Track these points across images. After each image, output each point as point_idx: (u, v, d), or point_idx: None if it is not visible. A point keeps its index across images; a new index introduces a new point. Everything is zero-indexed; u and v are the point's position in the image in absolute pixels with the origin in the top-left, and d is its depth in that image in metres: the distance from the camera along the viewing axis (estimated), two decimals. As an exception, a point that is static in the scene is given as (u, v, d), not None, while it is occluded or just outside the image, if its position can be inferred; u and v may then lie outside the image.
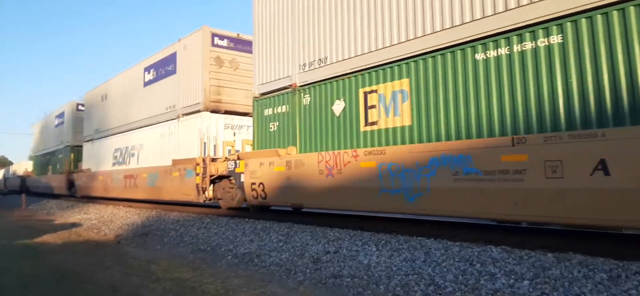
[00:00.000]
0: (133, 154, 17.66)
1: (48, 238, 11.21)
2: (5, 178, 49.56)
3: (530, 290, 4.76)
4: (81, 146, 24.23)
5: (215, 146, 13.30)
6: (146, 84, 17.40)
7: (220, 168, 12.44)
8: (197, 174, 12.80)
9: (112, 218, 14.51)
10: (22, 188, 36.36)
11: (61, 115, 28.46)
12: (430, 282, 5.37)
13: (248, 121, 13.73)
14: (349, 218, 9.95)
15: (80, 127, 25.20)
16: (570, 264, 5.19)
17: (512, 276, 5.12)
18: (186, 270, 7.14)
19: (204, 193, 12.71)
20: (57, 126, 29.17)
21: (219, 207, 13.12)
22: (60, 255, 8.93)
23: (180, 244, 9.65)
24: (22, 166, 44.65)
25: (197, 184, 12.78)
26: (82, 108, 25.61)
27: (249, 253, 7.90)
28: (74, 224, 14.06)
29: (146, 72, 17.47)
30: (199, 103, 13.73)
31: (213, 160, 12.87)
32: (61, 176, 26.20)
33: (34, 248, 9.76)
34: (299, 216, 10.40)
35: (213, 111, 13.70)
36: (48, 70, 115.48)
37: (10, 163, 62.09)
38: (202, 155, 12.95)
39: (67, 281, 6.59)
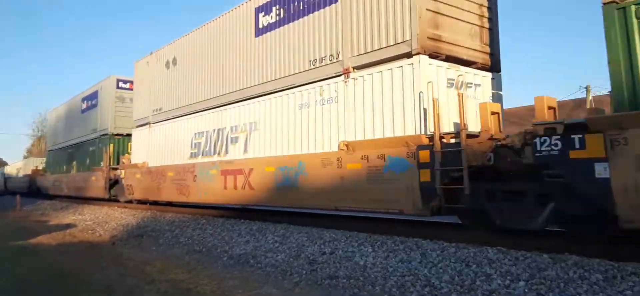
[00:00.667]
0: (235, 140, 11.94)
1: (43, 239, 11.15)
2: (5, 179, 45.24)
3: (526, 290, 4.77)
4: (125, 135, 19.32)
5: (438, 115, 7.31)
6: (261, 31, 11.41)
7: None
8: (421, 166, 7.36)
9: (106, 219, 14.45)
10: (31, 190, 31.17)
11: (92, 96, 22.12)
12: (426, 283, 5.37)
13: (480, 76, 8.72)
14: (345, 219, 9.92)
15: (122, 110, 19.99)
16: (565, 265, 5.21)
17: (508, 277, 5.13)
18: (182, 271, 7.12)
19: (435, 198, 7.22)
20: (85, 111, 22.90)
21: (463, 226, 7.72)
22: (56, 256, 8.89)
23: (175, 245, 9.62)
24: (29, 164, 38.59)
25: (421, 184, 7.36)
26: (125, 86, 20.19)
27: (244, 254, 7.88)
28: (68, 225, 13.99)
29: (261, 14, 11.46)
30: (406, 41, 7.93)
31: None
32: (97, 173, 19.91)
33: (29, 249, 9.72)
34: (295, 217, 10.34)
35: (431, 56, 7.95)
36: (44, 67, 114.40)
37: (5, 164, 61.56)
38: (425, 132, 7.54)
39: (62, 282, 6.56)
